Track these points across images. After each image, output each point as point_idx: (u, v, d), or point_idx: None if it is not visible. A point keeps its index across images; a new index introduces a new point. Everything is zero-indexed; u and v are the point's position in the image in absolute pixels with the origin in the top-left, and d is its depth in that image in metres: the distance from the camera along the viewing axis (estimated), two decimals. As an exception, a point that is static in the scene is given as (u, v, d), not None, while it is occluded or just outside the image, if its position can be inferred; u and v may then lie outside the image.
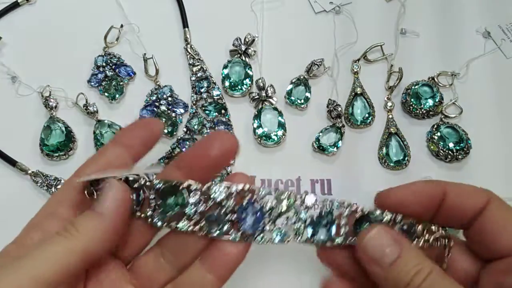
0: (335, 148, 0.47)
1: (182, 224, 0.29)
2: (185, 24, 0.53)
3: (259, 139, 0.48)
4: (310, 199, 0.30)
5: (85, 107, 0.48)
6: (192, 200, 0.29)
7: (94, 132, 0.48)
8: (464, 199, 0.30)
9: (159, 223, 0.29)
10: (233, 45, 0.51)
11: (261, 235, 0.29)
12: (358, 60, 0.52)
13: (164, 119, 0.48)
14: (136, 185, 0.29)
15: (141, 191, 0.29)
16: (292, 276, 0.43)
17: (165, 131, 0.48)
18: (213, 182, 0.29)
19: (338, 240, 0.30)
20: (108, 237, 0.28)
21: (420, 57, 0.52)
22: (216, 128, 0.48)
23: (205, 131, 0.48)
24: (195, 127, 0.48)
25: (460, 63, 0.51)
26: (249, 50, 0.51)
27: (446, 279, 0.27)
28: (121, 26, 0.52)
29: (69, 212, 0.29)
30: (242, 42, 0.51)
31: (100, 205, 0.28)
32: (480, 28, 0.53)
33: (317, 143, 0.47)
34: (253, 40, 0.51)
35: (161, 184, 0.29)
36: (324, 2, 0.55)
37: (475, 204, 0.30)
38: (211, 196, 0.29)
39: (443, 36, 0.53)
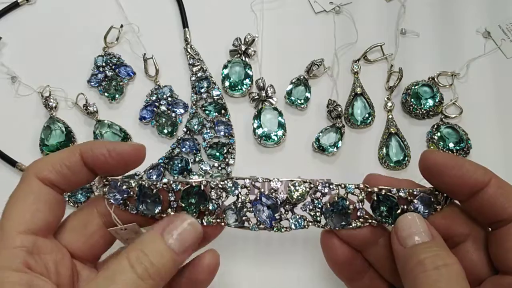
0: (335, 148, 0.47)
1: (207, 219, 0.31)
2: (185, 24, 0.53)
3: (259, 139, 0.48)
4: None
5: (85, 107, 0.48)
6: (213, 195, 0.31)
7: (94, 132, 0.48)
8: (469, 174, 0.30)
9: None
10: (233, 45, 0.51)
11: (278, 225, 0.31)
12: (358, 60, 0.52)
13: (164, 119, 0.48)
14: (154, 190, 0.30)
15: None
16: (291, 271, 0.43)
17: (165, 131, 0.48)
18: (229, 178, 0.31)
19: (355, 224, 0.31)
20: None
21: (420, 57, 0.52)
22: (216, 128, 0.48)
23: (205, 131, 0.48)
24: (195, 127, 0.48)
25: (460, 63, 0.51)
26: (249, 50, 0.51)
27: (461, 279, 0.27)
28: (121, 26, 0.52)
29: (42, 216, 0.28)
30: (242, 42, 0.51)
31: (181, 246, 0.28)
32: (480, 28, 0.53)
33: (317, 143, 0.47)
34: (253, 40, 0.51)
35: (179, 186, 0.30)
36: (324, 2, 0.55)
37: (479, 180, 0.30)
38: (228, 191, 0.31)
39: (443, 36, 0.53)
